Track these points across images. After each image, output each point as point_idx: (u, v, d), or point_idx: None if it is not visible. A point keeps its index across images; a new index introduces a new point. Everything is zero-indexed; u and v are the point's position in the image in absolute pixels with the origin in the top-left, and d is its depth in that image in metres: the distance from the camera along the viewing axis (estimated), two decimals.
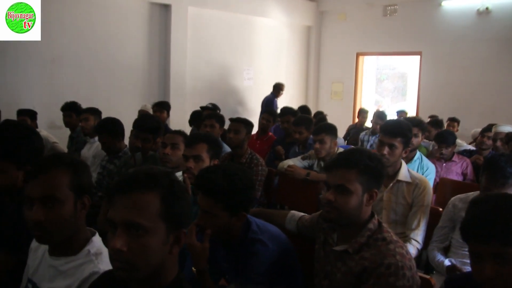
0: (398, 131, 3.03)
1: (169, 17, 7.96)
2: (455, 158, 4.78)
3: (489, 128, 5.22)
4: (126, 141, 4.23)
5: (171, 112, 6.61)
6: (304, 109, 8.04)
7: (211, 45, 8.73)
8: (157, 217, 1.25)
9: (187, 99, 8.21)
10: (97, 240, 1.74)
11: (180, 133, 3.31)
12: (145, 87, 7.93)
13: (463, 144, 6.02)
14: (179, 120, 7.30)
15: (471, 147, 5.69)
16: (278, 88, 9.14)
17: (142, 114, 5.73)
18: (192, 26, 8.29)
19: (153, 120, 3.94)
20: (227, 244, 2.11)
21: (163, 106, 6.35)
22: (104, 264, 1.62)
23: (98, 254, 1.67)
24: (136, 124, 3.85)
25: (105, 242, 1.78)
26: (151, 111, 6.25)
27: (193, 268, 1.95)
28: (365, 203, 1.90)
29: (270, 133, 6.15)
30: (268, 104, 8.80)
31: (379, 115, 6.67)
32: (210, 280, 1.95)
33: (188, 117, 6.42)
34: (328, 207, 1.90)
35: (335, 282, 1.92)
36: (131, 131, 4.08)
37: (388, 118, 6.69)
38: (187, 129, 5.63)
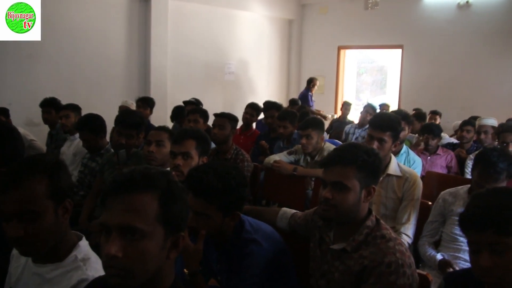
0: (387, 125, 2.99)
1: (149, 10, 7.82)
2: (439, 151, 4.83)
3: (468, 121, 5.25)
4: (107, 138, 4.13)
5: None
6: (293, 102, 8.06)
7: (192, 39, 8.62)
8: (155, 220, 1.18)
9: (168, 94, 8.10)
10: (84, 244, 1.64)
11: (164, 129, 3.21)
12: (125, 82, 7.79)
13: (445, 137, 6.06)
14: (160, 115, 7.18)
15: (454, 140, 5.73)
16: (311, 83, 9.36)
17: (124, 110, 5.60)
18: (172, 20, 8.16)
19: (135, 115, 3.83)
20: (219, 245, 2.04)
21: (147, 102, 6.23)
22: (93, 270, 1.53)
23: (86, 260, 1.58)
24: (119, 120, 3.72)
25: (90, 244, 1.71)
26: (131, 107, 6.12)
27: (184, 270, 1.87)
28: (363, 199, 1.85)
29: (254, 128, 6.10)
30: (304, 99, 9.00)
31: (371, 107, 6.67)
32: (203, 282, 1.88)
33: (169, 113, 6.32)
34: (325, 205, 1.84)
35: (333, 281, 1.87)
36: (113, 128, 3.98)
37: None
38: (169, 125, 5.54)
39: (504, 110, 7.91)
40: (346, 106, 8.16)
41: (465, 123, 5.18)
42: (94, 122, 3.88)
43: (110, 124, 4.07)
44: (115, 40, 7.61)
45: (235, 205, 1.94)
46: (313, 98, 9.33)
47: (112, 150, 3.85)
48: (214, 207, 1.88)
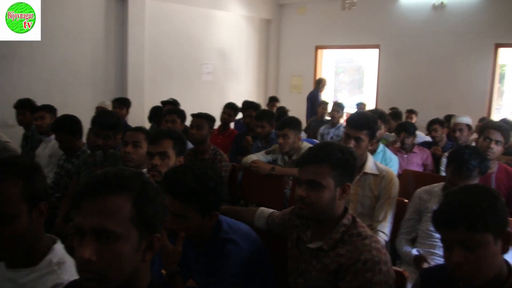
0: (364, 124, 3.02)
1: (126, 10, 7.76)
2: (415, 149, 4.90)
3: (434, 121, 5.39)
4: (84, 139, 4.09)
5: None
6: (273, 99, 8.09)
7: (170, 39, 8.58)
8: (129, 222, 1.16)
9: (145, 94, 8.04)
10: (59, 248, 1.61)
11: (141, 130, 3.19)
12: (102, 83, 7.71)
13: (422, 135, 6.14)
14: (137, 116, 7.14)
15: (430, 138, 5.80)
16: (320, 83, 9.61)
17: (100, 110, 5.55)
18: (150, 20, 8.11)
19: (112, 116, 3.80)
20: (197, 245, 2.03)
21: (123, 103, 6.19)
22: (68, 274, 1.51)
23: (61, 264, 1.55)
24: (95, 121, 3.69)
25: (66, 246, 1.68)
26: (109, 108, 6.07)
27: (163, 270, 1.86)
28: (338, 197, 1.87)
29: (232, 128, 6.10)
30: (314, 99, 9.33)
31: (339, 105, 6.76)
32: (181, 283, 1.87)
33: (147, 113, 6.27)
34: (301, 203, 1.85)
35: (311, 280, 1.88)
36: (90, 129, 3.93)
37: (346, 110, 6.87)
38: (146, 126, 5.50)
39: (478, 107, 8.09)
40: (323, 105, 8.21)
41: (431, 123, 5.29)
42: (70, 123, 3.83)
43: (86, 125, 4.03)
44: (91, 40, 7.53)
45: (213, 205, 1.94)
46: (321, 99, 9.45)
47: (89, 151, 3.82)
48: (192, 209, 1.88)
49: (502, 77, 12.99)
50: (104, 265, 1.12)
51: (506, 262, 1.56)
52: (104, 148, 3.56)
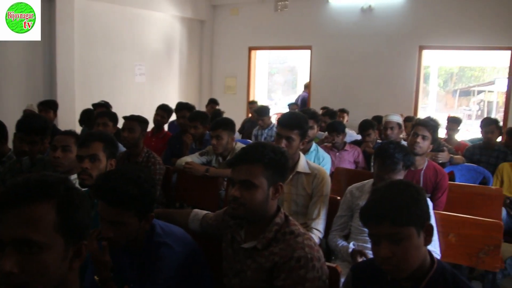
0: (294, 124, 3.07)
1: (54, 9, 7.41)
2: (347, 147, 5.04)
3: (367, 126, 5.47)
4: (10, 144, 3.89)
5: (59, 112, 6.20)
6: (213, 101, 8.05)
7: (101, 40, 8.31)
8: (53, 230, 1.11)
9: (76, 97, 7.74)
10: None
11: (71, 133, 3.09)
12: (29, 85, 7.33)
13: (353, 134, 6.32)
14: (68, 120, 6.89)
15: (361, 137, 5.97)
16: (308, 86, 9.95)
17: (26, 114, 5.30)
18: (79, 20, 7.82)
19: (39, 119, 3.62)
20: (131, 251, 1.98)
21: (49, 105, 5.93)
22: None
23: None
24: (21, 125, 3.50)
25: None
26: (37, 111, 5.81)
27: (95, 277, 1.80)
28: (271, 197, 1.88)
29: (166, 130, 6.02)
30: (304, 101, 9.75)
31: (258, 111, 6.80)
32: None
33: (78, 117, 6.07)
34: (234, 203, 1.86)
35: (246, 279, 1.89)
36: (15, 134, 3.74)
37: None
38: (78, 130, 5.31)
39: (405, 106, 8.43)
40: (251, 105, 8.28)
41: (364, 128, 5.43)
42: None
43: (12, 130, 3.82)
44: (17, 40, 7.16)
45: (149, 207, 1.92)
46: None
47: (15, 157, 3.63)
48: (130, 214, 1.85)
49: (426, 77, 13.65)
50: (28, 276, 1.07)
51: (429, 252, 1.64)
52: (31, 153, 3.40)
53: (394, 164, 2.77)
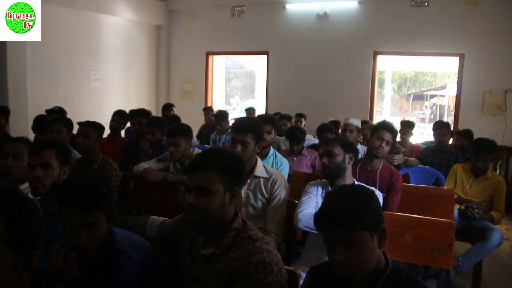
0: (248, 128, 3.08)
1: None
2: (304, 151, 5.09)
3: (324, 129, 5.55)
4: None
5: (10, 119, 6.00)
6: (167, 106, 7.98)
7: (55, 44, 8.09)
8: (1, 243, 1.07)
9: (29, 103, 7.50)
10: None
11: (23, 141, 3.00)
12: None
13: (310, 138, 6.40)
14: (20, 126, 6.68)
15: (318, 141, 6.06)
16: None
17: None
18: None
19: None
20: (88, 261, 1.91)
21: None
22: None
23: None
24: None
25: None
26: None
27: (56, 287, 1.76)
28: (228, 202, 1.87)
29: (122, 136, 5.93)
30: None
31: (217, 116, 6.81)
32: None
33: (31, 123, 5.89)
34: (191, 210, 1.84)
35: (205, 286, 1.87)
36: None
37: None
38: (31, 136, 5.16)
39: (361, 110, 8.60)
40: (207, 111, 8.27)
41: (321, 131, 5.53)
42: None
43: None
44: None
45: (114, 206, 1.93)
46: None
47: None
48: (101, 213, 1.83)
49: (381, 82, 13.98)
50: None
51: (384, 254, 1.67)
52: None
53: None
